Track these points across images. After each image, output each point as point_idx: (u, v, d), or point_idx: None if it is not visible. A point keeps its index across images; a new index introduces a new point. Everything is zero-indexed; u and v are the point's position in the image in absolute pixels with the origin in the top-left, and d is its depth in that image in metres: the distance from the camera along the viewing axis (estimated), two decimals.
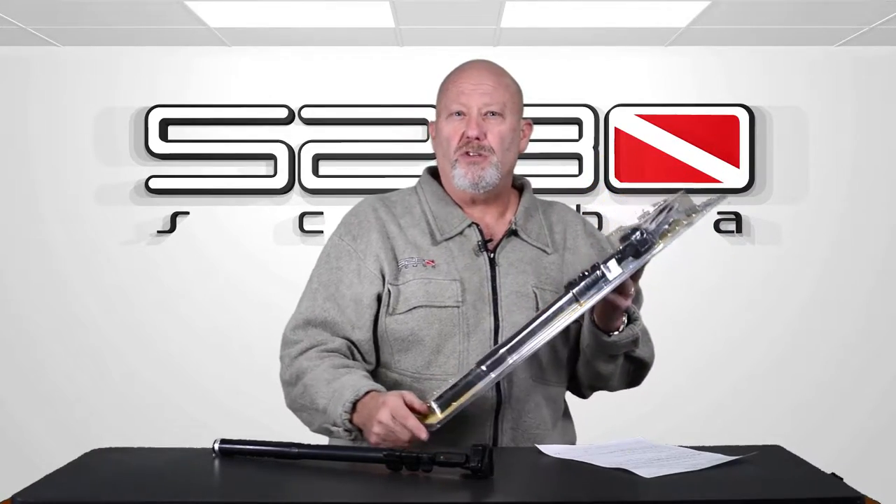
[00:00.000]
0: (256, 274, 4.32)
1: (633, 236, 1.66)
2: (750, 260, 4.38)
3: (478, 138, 1.91)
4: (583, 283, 1.68)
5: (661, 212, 1.67)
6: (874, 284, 4.39)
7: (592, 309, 1.79)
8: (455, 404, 1.68)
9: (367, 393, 1.74)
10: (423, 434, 1.64)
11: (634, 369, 1.99)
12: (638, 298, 1.99)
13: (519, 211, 1.99)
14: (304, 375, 1.85)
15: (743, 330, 4.39)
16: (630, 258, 1.66)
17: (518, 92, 2.00)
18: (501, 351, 1.70)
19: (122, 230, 4.36)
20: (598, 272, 1.68)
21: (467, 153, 1.91)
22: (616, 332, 1.85)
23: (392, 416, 1.66)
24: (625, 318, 1.85)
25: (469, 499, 1.44)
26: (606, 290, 1.68)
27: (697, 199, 1.72)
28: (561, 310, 1.70)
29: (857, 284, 4.39)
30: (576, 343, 1.95)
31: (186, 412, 4.27)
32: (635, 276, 1.73)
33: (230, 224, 4.36)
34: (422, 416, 1.68)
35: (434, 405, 1.68)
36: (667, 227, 1.66)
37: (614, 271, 1.67)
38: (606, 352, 1.89)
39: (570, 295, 1.69)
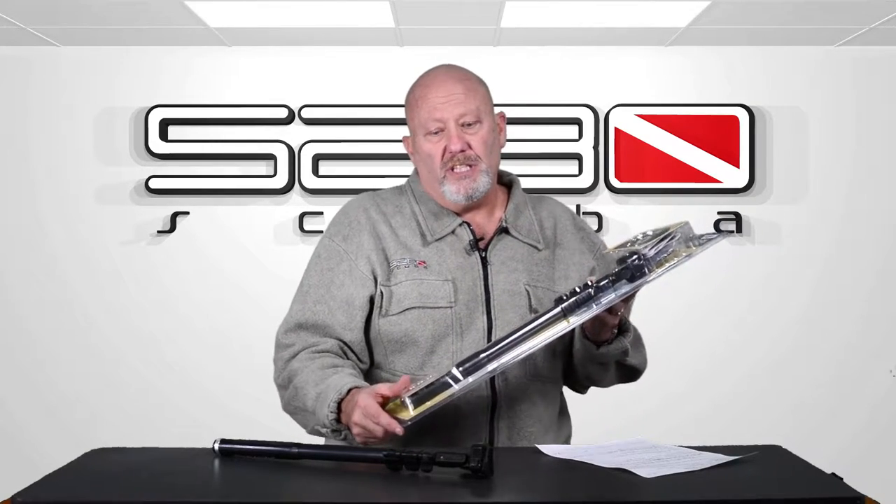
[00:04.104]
0: (256, 274, 4.32)
1: (630, 260, 1.63)
2: (750, 260, 4.38)
3: (462, 150, 1.89)
4: (572, 300, 1.66)
5: (661, 239, 1.64)
6: (874, 284, 4.39)
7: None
8: (429, 403, 1.66)
9: (349, 391, 1.73)
10: (398, 429, 1.63)
11: (626, 374, 1.99)
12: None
13: (509, 208, 1.98)
14: (296, 377, 1.85)
15: (743, 330, 4.39)
16: (624, 281, 1.64)
17: (487, 90, 1.97)
18: (482, 356, 1.68)
19: (122, 230, 4.36)
20: (589, 291, 1.65)
21: (452, 168, 1.90)
22: (606, 345, 1.85)
23: (364, 416, 1.65)
24: (615, 330, 1.84)
25: (469, 499, 1.44)
26: (596, 311, 1.66)
27: (699, 230, 1.68)
28: (548, 324, 1.68)
29: (857, 284, 4.39)
30: (570, 339, 1.94)
31: (186, 412, 4.27)
32: (627, 298, 1.71)
33: (230, 224, 4.36)
34: (395, 407, 1.67)
35: (407, 401, 1.66)
36: (664, 256, 1.63)
37: (605, 293, 1.65)
38: (596, 361, 1.89)
39: (558, 310, 1.67)
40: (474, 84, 1.94)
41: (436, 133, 1.91)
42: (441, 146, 1.90)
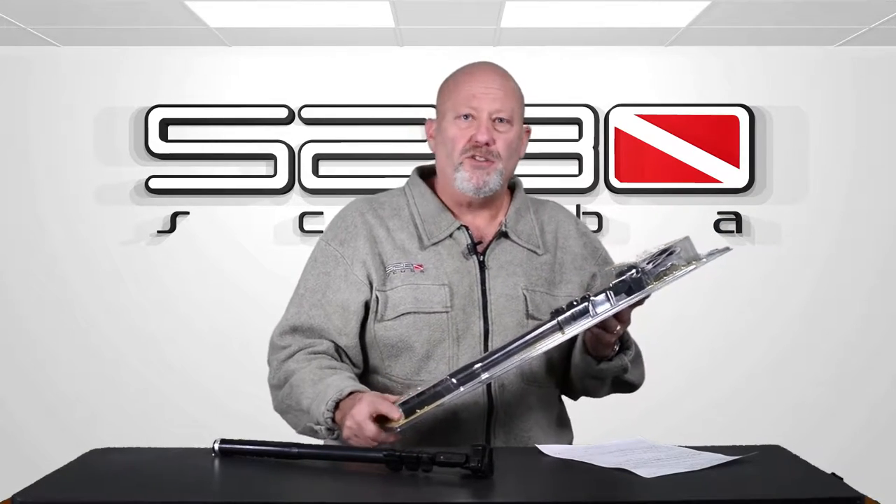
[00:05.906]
0: (256, 274, 4.32)
1: (629, 274, 1.65)
2: (750, 260, 4.37)
3: (487, 143, 1.89)
4: (569, 313, 1.67)
5: (661, 254, 1.65)
6: (874, 284, 4.39)
7: (584, 334, 1.80)
8: (419, 412, 1.67)
9: (350, 394, 1.73)
10: (390, 438, 1.64)
11: (622, 388, 2.00)
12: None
13: (510, 212, 1.97)
14: (292, 376, 1.85)
15: (743, 330, 4.39)
16: (622, 295, 1.66)
17: (522, 97, 1.99)
18: (476, 366, 1.68)
19: (122, 230, 4.36)
20: (586, 304, 1.67)
21: (473, 157, 1.89)
22: (607, 361, 1.86)
23: (357, 419, 1.66)
24: (616, 347, 1.85)
25: (469, 499, 1.44)
26: (591, 322, 1.67)
27: (701, 249, 1.68)
28: (543, 335, 1.69)
29: (857, 284, 4.39)
30: (568, 349, 1.94)
31: (186, 412, 4.27)
32: (625, 314, 1.72)
33: (230, 224, 4.36)
34: (386, 420, 1.68)
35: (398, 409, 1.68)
36: (664, 269, 1.65)
37: (602, 306, 1.66)
38: (595, 376, 1.90)
39: (554, 322, 1.68)
40: (514, 87, 1.97)
41: (466, 118, 1.91)
42: (468, 133, 1.90)
